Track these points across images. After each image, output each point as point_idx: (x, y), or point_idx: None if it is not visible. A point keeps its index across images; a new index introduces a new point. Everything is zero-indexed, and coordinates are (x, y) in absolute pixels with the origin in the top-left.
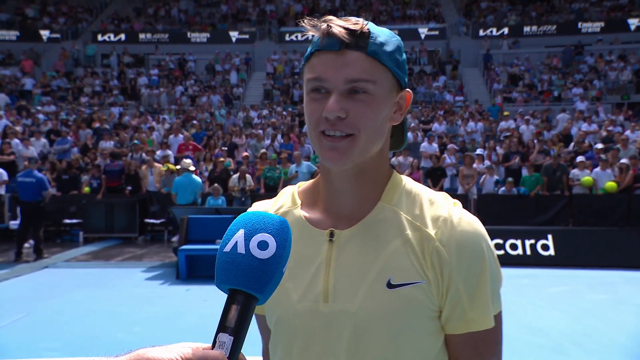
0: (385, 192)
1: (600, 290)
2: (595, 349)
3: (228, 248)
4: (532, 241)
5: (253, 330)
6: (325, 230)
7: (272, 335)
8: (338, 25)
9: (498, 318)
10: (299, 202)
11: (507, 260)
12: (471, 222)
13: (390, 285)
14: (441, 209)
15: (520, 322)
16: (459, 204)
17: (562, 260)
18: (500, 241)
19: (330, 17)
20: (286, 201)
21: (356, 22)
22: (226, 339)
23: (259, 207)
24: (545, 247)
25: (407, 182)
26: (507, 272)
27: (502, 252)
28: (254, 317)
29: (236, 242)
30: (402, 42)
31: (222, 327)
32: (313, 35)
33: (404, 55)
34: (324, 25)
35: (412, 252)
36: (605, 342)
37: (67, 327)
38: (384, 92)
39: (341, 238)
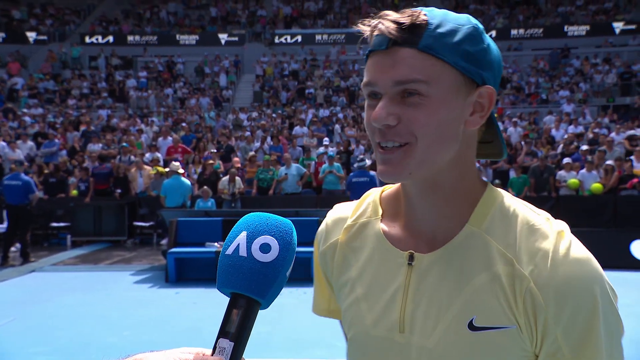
0: (475, 213)
1: None
2: None
3: (230, 251)
4: None
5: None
6: (404, 252)
7: (348, 350)
8: (388, 19)
9: None
10: (380, 212)
11: None
12: (580, 260)
13: (472, 327)
14: (542, 239)
15: None
16: (567, 230)
17: None
18: None
19: (387, 12)
20: (367, 209)
21: (411, 13)
22: (226, 344)
23: (340, 210)
24: None
25: (505, 199)
26: None
27: None
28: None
29: (238, 244)
30: None
31: (222, 333)
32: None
33: (483, 44)
34: (374, 22)
35: (501, 291)
36: None
37: (56, 331)
38: (443, 92)
39: (422, 263)
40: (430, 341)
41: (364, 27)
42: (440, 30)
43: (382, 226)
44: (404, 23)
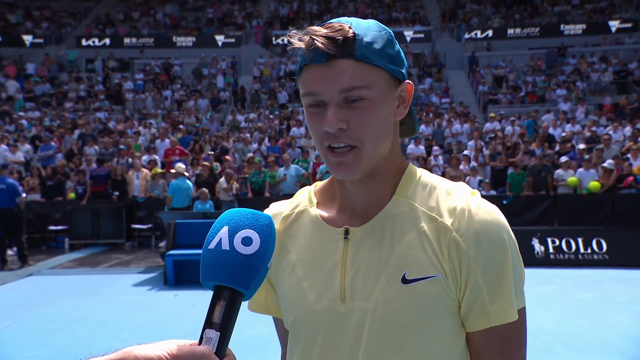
0: (400, 185)
1: (587, 289)
2: (583, 348)
3: (212, 245)
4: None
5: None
6: (340, 228)
7: (290, 336)
8: (321, 36)
9: (522, 314)
10: (315, 200)
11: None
12: (490, 211)
13: (405, 281)
14: (458, 198)
15: None
16: (477, 193)
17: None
18: None
19: (314, 27)
20: (302, 200)
21: (340, 27)
22: (213, 334)
23: (276, 206)
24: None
25: (423, 174)
26: None
27: None
28: (272, 320)
29: (220, 238)
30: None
31: (208, 323)
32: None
33: (397, 46)
34: (307, 39)
35: (428, 245)
36: (593, 341)
37: (54, 335)
38: (381, 93)
39: (356, 235)
40: (370, 303)
41: (297, 42)
42: (366, 39)
43: (318, 211)
44: (338, 39)
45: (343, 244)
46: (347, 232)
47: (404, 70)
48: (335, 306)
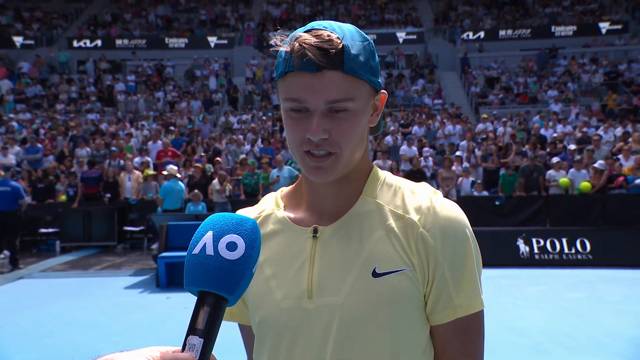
0: (366, 186)
1: (578, 288)
2: (575, 347)
3: (197, 250)
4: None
5: (233, 336)
6: (308, 228)
7: (257, 338)
8: (311, 45)
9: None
10: (282, 204)
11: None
12: (453, 209)
13: (375, 274)
14: (422, 197)
15: (500, 322)
16: (439, 192)
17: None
18: None
19: (301, 34)
20: (269, 205)
21: (329, 38)
22: (196, 341)
23: (243, 212)
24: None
25: (387, 176)
26: (486, 273)
27: None
28: (238, 329)
29: (205, 243)
30: (380, 45)
31: (191, 330)
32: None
33: (377, 57)
34: (297, 45)
35: (396, 240)
36: (585, 340)
37: (45, 339)
38: (362, 104)
39: (325, 233)
40: (339, 298)
41: (284, 45)
42: (354, 52)
43: (286, 213)
44: (330, 51)
45: (312, 242)
46: (315, 230)
47: (380, 81)
48: (302, 303)
